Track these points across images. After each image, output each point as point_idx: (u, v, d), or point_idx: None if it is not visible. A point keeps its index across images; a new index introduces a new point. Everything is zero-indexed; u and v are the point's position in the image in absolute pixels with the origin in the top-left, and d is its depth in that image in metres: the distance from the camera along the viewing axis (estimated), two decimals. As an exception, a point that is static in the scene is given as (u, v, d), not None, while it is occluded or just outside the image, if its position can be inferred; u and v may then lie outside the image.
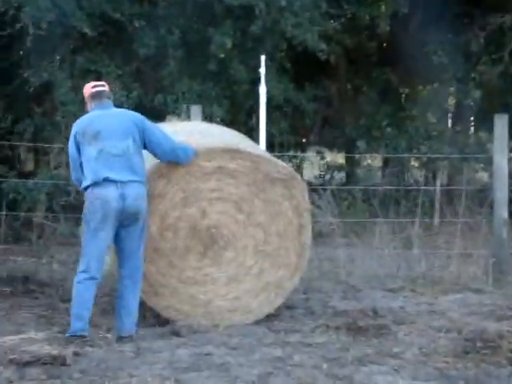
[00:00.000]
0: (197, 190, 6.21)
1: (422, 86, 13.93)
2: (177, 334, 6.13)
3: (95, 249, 5.85)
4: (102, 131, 5.86)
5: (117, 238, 5.95)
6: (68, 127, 11.34)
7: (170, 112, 10.49)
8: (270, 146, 12.76)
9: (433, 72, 13.46)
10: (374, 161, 15.00)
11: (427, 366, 5.22)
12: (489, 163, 13.49)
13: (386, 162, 15.08)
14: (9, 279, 7.79)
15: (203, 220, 6.25)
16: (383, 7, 11.84)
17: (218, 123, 10.94)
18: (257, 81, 11.33)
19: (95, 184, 5.82)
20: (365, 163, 14.31)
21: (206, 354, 5.58)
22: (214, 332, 6.20)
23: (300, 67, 12.01)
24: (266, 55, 8.99)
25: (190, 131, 6.63)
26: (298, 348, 5.71)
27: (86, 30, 9.63)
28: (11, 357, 5.49)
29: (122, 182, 5.80)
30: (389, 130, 12.87)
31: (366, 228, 9.68)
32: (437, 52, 13.17)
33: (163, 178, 6.18)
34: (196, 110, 8.08)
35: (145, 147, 6.04)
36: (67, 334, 5.89)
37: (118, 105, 10.60)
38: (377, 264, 8.50)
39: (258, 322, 6.48)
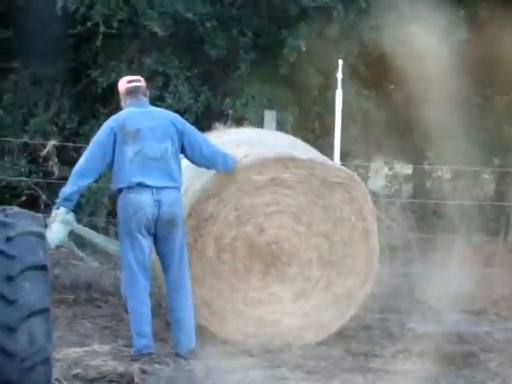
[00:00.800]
0: (251, 206, 5.85)
1: (499, 95, 13.34)
2: (248, 353, 5.80)
3: (136, 258, 5.51)
4: (141, 130, 5.50)
5: (157, 251, 5.61)
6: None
7: (238, 117, 10.14)
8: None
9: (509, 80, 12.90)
10: (444, 173, 14.43)
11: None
12: None
13: (456, 174, 14.53)
14: (71, 286, 7.53)
15: (261, 236, 5.89)
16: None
17: (287, 130, 10.66)
18: (328, 86, 11.01)
19: (129, 188, 5.46)
20: (435, 175, 13.75)
21: (281, 378, 5.23)
22: (287, 352, 5.86)
23: (373, 72, 11.56)
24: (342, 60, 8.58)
25: (238, 142, 6.25)
26: (380, 376, 5.31)
27: (157, 30, 9.33)
28: (75, 371, 5.22)
29: (157, 188, 5.46)
30: (471, 141, 12.29)
31: (440, 244, 9.21)
32: None
33: (213, 197, 5.82)
34: (269, 115, 7.73)
35: (182, 151, 5.66)
36: (132, 352, 5.57)
37: (186, 108, 10.44)
38: (455, 283, 8.02)
39: (333, 344, 6.10)
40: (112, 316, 6.77)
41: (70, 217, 5.69)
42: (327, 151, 13.18)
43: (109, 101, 11.29)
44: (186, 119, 10.12)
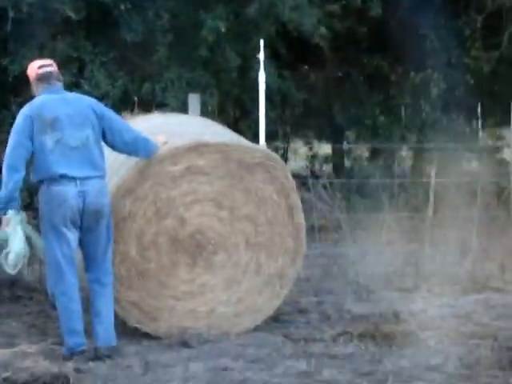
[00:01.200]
0: (169, 198, 5.63)
1: (414, 73, 13.43)
2: (186, 344, 5.60)
3: (63, 254, 5.23)
4: (60, 118, 5.16)
5: (80, 242, 5.33)
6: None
7: (158, 102, 9.90)
8: (255, 136, 12.25)
9: (425, 58, 13.00)
10: (363, 152, 14.49)
11: (474, 382, 4.72)
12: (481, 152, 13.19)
13: (373, 152, 14.62)
14: (-6, 283, 7.18)
15: (184, 228, 5.69)
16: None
17: (207, 113, 10.46)
18: (247, 68, 10.85)
19: (51, 180, 5.16)
20: (355, 154, 13.79)
21: (223, 369, 5.06)
22: (226, 341, 5.68)
23: (291, 54, 11.46)
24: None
25: (151, 132, 5.95)
26: (323, 361, 5.19)
27: (70, 14, 8.98)
28: (5, 375, 4.94)
29: (81, 179, 5.18)
30: (381, 118, 12.36)
31: (367, 222, 9.19)
32: (429, 37, 12.70)
33: (129, 195, 5.56)
34: (194, 99, 7.51)
35: (102, 137, 5.36)
36: (63, 352, 5.32)
37: (103, 94, 10.12)
38: (385, 261, 8.00)
39: (271, 330, 5.97)
40: (38, 313, 6.48)
41: (22, 216, 5.36)
42: (247, 134, 13.08)
43: (21, 89, 10.85)
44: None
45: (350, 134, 14.24)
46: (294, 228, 5.89)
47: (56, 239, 5.22)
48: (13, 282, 7.17)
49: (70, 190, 5.15)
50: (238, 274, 5.83)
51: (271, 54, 10.32)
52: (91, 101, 5.45)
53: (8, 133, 10.14)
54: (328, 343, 5.60)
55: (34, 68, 5.38)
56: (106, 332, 5.33)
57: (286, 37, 10.56)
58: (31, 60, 9.73)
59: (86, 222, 5.24)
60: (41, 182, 5.22)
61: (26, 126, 5.16)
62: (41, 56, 9.73)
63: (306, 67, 14.36)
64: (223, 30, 9.25)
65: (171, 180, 5.60)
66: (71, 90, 9.91)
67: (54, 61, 10.03)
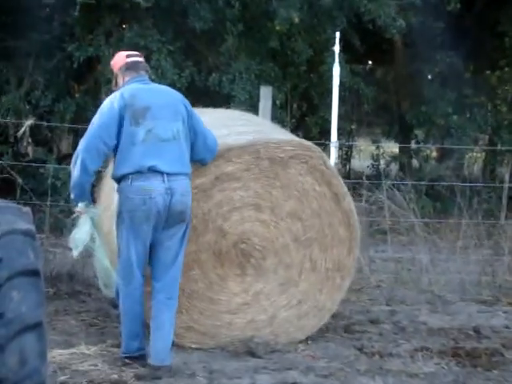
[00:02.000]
0: (204, 213, 5.23)
1: (490, 71, 12.90)
2: (253, 354, 5.25)
3: (137, 253, 4.82)
4: (152, 107, 4.78)
5: (152, 244, 4.88)
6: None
7: (225, 94, 9.55)
8: (320, 133, 11.86)
9: (502, 56, 12.46)
10: (431, 152, 13.96)
11: None
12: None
13: (443, 152, 14.11)
14: (52, 278, 6.90)
15: (226, 240, 5.30)
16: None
17: (274, 108, 10.09)
18: (318, 61, 10.46)
19: (137, 174, 4.73)
20: (424, 154, 13.24)
21: (292, 383, 4.69)
22: (295, 352, 5.33)
23: (363, 47, 11.00)
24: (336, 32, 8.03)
25: None
26: (401, 379, 4.79)
27: (138, 0, 8.68)
28: (62, 378, 4.64)
29: (169, 174, 4.75)
30: (454, 118, 11.82)
31: (440, 227, 8.72)
32: (508, 34, 12.15)
33: None
34: (266, 92, 7.13)
35: None
36: (122, 355, 4.99)
37: (169, 84, 9.79)
38: (461, 269, 7.54)
39: (343, 341, 5.60)
40: (97, 311, 6.20)
41: (96, 210, 5.11)
42: (312, 130, 12.67)
43: (85, 77, 10.68)
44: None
45: (419, 133, 13.70)
46: (343, 215, 5.49)
47: (133, 238, 4.81)
48: (71, 276, 6.92)
49: (157, 186, 4.73)
50: (293, 274, 5.47)
51: (343, 48, 9.91)
52: (181, 95, 5.08)
53: (72, 121, 10.06)
54: (405, 359, 5.19)
55: (122, 57, 5.07)
56: (164, 350, 4.89)
57: (359, 29, 10.13)
58: (97, 47, 9.61)
59: (168, 223, 4.80)
60: (124, 176, 4.79)
61: (113, 115, 4.77)
62: (107, 43, 9.52)
63: (375, 62, 13.92)
64: (296, 20, 8.85)
65: (202, 193, 5.19)
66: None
67: (120, 49, 9.84)
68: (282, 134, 5.65)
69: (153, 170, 4.72)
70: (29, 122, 6.95)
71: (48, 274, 6.91)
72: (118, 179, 4.87)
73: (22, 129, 6.82)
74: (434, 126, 12.67)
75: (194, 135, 4.95)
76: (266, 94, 7.08)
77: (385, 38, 10.93)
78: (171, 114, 4.83)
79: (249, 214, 5.33)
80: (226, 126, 5.52)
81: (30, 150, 10.47)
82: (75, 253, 5.12)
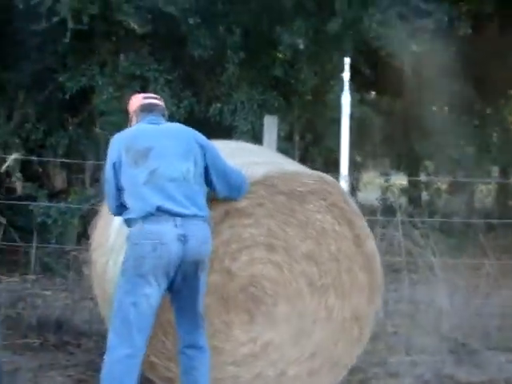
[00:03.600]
0: (210, 251, 4.56)
1: (504, 101, 12.40)
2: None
3: (139, 313, 4.12)
4: (155, 148, 4.30)
5: (171, 295, 4.32)
6: (107, 141, 10.02)
7: (227, 125, 9.03)
8: (325, 165, 11.33)
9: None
10: (442, 184, 13.41)
11: None
12: None
13: (454, 185, 13.57)
14: (38, 327, 6.31)
15: (233, 282, 4.69)
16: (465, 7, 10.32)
17: (278, 138, 9.57)
18: (324, 89, 9.94)
19: (145, 217, 4.19)
20: (435, 187, 12.69)
21: None
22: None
23: (375, 74, 10.47)
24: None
25: None
26: None
27: (134, 26, 8.16)
28: None
29: (181, 217, 4.18)
30: (468, 149, 11.30)
31: (457, 266, 8.11)
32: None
33: None
34: (271, 121, 6.58)
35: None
36: None
37: (168, 115, 9.29)
38: (484, 314, 6.93)
39: (361, 399, 4.98)
40: (87, 365, 5.58)
41: None
42: (317, 161, 12.11)
43: (79, 109, 10.15)
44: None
45: (429, 165, 13.18)
46: (364, 259, 4.89)
47: (135, 290, 4.15)
48: (60, 325, 6.31)
49: (168, 232, 4.16)
50: (307, 324, 4.85)
51: (351, 75, 9.40)
52: (194, 132, 4.51)
53: (66, 155, 9.54)
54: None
55: (139, 98, 4.67)
56: None
57: (368, 56, 9.61)
58: (91, 77, 9.11)
59: (182, 274, 4.23)
60: (132, 221, 4.27)
61: (114, 163, 4.33)
62: (101, 73, 9.00)
63: (383, 91, 13.42)
64: (301, 46, 8.31)
65: None
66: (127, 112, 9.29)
67: (116, 78, 9.34)
68: (298, 166, 5.06)
69: (162, 211, 4.17)
70: (14, 155, 6.41)
71: (34, 323, 6.34)
72: (128, 225, 4.30)
73: (7, 163, 6.27)
74: (444, 157, 12.17)
75: (215, 175, 4.41)
76: (270, 124, 6.52)
77: (393, 65, 10.44)
78: (180, 153, 4.31)
79: (260, 255, 4.71)
80: (237, 156, 4.91)
81: (18, 185, 9.92)
82: None
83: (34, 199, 8.86)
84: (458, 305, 7.05)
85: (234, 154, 4.98)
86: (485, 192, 14.10)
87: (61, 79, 8.95)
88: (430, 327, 6.76)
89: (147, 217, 4.17)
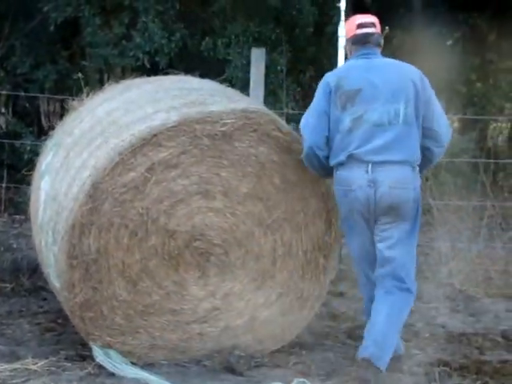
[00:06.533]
0: (140, 213, 4.28)
1: (517, 34, 11.80)
2: (233, 370, 4.32)
3: (359, 249, 4.35)
4: (363, 89, 4.22)
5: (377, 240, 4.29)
6: (94, 75, 9.56)
7: (220, 59, 8.58)
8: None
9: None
10: (453, 122, 12.92)
11: None
12: None
13: (465, 123, 13.08)
14: (14, 270, 6.01)
15: (175, 240, 4.36)
16: None
17: (277, 73, 9.13)
18: (325, 22, 9.45)
19: (340, 164, 4.25)
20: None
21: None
22: (285, 367, 4.41)
23: (375, 5, 9.94)
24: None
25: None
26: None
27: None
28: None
29: (374, 163, 4.15)
30: (478, 85, 10.81)
31: (460, 208, 7.70)
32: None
33: (87, 230, 4.21)
34: (257, 54, 6.15)
35: None
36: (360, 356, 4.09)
37: (158, 49, 8.85)
38: (486, 259, 6.56)
39: (346, 350, 4.69)
40: (57, 313, 5.23)
41: None
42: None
43: (68, 42, 9.73)
44: (157, 61, 8.77)
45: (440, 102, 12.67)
46: (313, 185, 4.54)
47: (348, 232, 4.40)
48: (34, 269, 5.98)
49: (358, 178, 4.19)
50: (267, 265, 4.55)
51: (353, 6, 8.89)
52: (413, 71, 4.30)
53: (57, 90, 9.14)
54: (418, 378, 4.23)
55: (353, 25, 4.44)
56: (372, 347, 4.10)
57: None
58: (77, 8, 8.65)
59: (380, 219, 4.21)
60: (333, 167, 4.32)
61: (323, 99, 4.28)
62: (87, 3, 8.55)
63: (391, 27, 12.85)
64: (299, -27, 7.83)
65: (134, 191, 4.24)
66: (120, 43, 8.86)
67: (104, 10, 8.88)
68: (226, 103, 4.54)
69: (355, 158, 4.20)
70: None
71: (7, 265, 6.03)
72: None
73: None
74: (455, 94, 11.67)
75: (429, 121, 4.24)
76: (258, 56, 6.10)
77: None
78: (390, 94, 4.18)
79: (197, 205, 4.35)
80: (153, 101, 4.52)
81: (2, 121, 9.56)
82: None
83: (20, 136, 8.52)
84: (458, 249, 6.70)
85: (155, 97, 4.58)
86: (498, 130, 13.61)
87: (44, 9, 8.50)
88: (428, 273, 6.42)
89: (341, 164, 4.24)
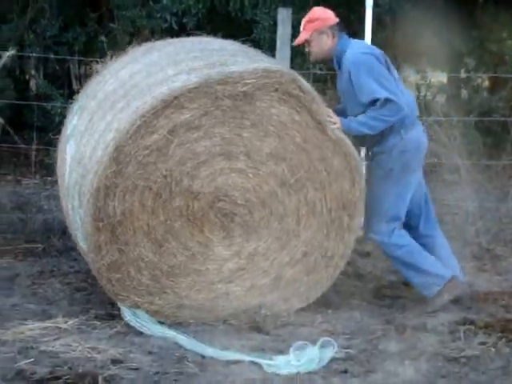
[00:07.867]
0: (165, 175, 4.33)
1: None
2: (259, 329, 4.39)
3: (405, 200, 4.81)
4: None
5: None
6: (123, 38, 9.54)
7: (247, 19, 8.53)
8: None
9: None
10: (483, 81, 12.76)
11: None
12: None
13: (496, 82, 12.89)
14: (44, 232, 6.09)
15: (199, 201, 4.41)
16: None
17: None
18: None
19: (412, 124, 4.76)
20: (475, 84, 12.05)
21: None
22: (311, 326, 4.48)
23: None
24: None
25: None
26: (439, 365, 3.88)
27: None
28: (22, 364, 3.83)
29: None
30: (510, 42, 10.64)
31: (489, 168, 7.65)
32: None
33: (112, 193, 4.28)
34: (284, 14, 6.10)
35: None
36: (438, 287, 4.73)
37: (185, 10, 8.84)
38: (514, 218, 6.54)
39: (371, 310, 4.73)
40: (87, 273, 5.31)
41: None
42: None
43: (97, 3, 9.72)
44: (184, 23, 8.73)
45: (470, 61, 12.49)
46: (335, 145, 4.52)
47: (407, 184, 4.80)
48: (64, 230, 6.07)
49: (420, 128, 4.87)
50: (291, 225, 4.58)
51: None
52: None
53: (86, 52, 9.16)
54: (443, 337, 4.27)
55: (332, 15, 4.87)
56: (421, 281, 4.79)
57: None
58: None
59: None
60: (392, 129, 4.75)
61: (383, 68, 4.72)
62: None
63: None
64: None
65: (157, 153, 4.27)
66: (148, 4, 8.85)
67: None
68: (248, 63, 4.53)
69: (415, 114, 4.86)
70: (9, 51, 6.06)
71: (39, 226, 6.12)
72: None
73: (2, 59, 5.93)
74: (486, 52, 11.51)
75: None
76: (284, 17, 6.05)
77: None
78: None
79: (220, 166, 4.39)
80: (174, 63, 4.53)
81: (33, 84, 9.61)
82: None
83: (51, 98, 8.56)
84: (486, 208, 6.67)
85: (176, 59, 4.59)
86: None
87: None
88: (455, 232, 6.40)
89: (411, 124, 4.77)
